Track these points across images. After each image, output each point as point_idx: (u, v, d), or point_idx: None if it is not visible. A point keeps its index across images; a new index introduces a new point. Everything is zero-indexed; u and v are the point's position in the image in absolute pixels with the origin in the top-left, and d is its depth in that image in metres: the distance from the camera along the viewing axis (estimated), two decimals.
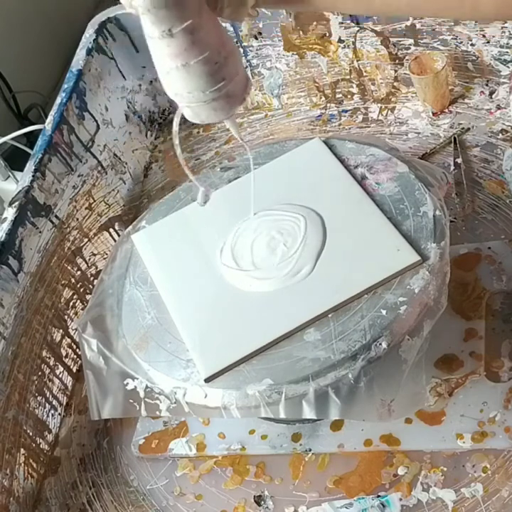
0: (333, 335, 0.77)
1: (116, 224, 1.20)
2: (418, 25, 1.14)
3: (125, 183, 1.25)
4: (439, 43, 1.15)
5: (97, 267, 1.15)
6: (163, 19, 0.66)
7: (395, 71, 1.20)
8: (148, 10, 0.65)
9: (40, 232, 1.05)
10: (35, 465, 0.99)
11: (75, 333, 1.08)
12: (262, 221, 0.89)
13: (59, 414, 1.05)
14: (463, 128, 1.14)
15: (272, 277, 0.83)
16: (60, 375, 1.06)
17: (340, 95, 1.25)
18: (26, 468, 0.98)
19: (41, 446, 1.01)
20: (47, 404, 1.03)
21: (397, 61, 1.19)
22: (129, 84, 1.29)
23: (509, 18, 1.02)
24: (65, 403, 1.06)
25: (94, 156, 1.18)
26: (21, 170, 1.09)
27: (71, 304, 1.10)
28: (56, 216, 1.08)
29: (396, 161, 0.90)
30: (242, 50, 1.21)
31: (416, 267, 0.79)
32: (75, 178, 1.14)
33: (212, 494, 0.90)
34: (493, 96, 1.16)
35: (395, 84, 1.21)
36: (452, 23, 1.12)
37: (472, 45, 1.14)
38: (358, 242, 0.83)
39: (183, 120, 1.41)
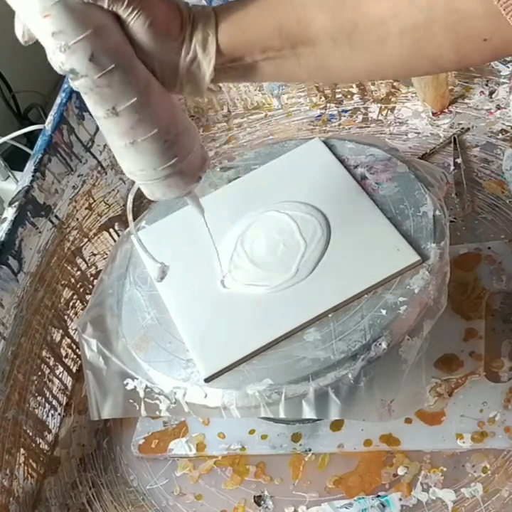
0: (333, 335, 0.77)
1: (116, 224, 1.20)
2: None
3: (125, 183, 1.25)
4: None
5: (97, 267, 1.15)
6: (107, 98, 0.64)
7: None
8: (90, 89, 0.64)
9: (40, 232, 1.05)
10: (35, 465, 0.99)
11: (74, 333, 1.08)
12: (262, 221, 0.89)
13: (59, 414, 1.05)
14: (463, 128, 1.14)
15: (271, 277, 0.83)
16: (60, 375, 1.06)
17: (340, 95, 1.25)
18: (26, 468, 0.98)
19: (41, 446, 1.01)
20: (47, 405, 1.03)
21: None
22: None
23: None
24: (64, 403, 1.06)
25: (94, 156, 1.18)
26: (21, 170, 1.08)
27: (71, 304, 1.10)
28: (56, 216, 1.08)
29: (396, 161, 0.90)
30: None
31: (416, 267, 0.79)
32: (74, 178, 1.13)
33: (212, 494, 0.90)
34: (493, 96, 1.16)
35: (395, 84, 1.21)
36: None
37: None
38: (357, 242, 0.83)
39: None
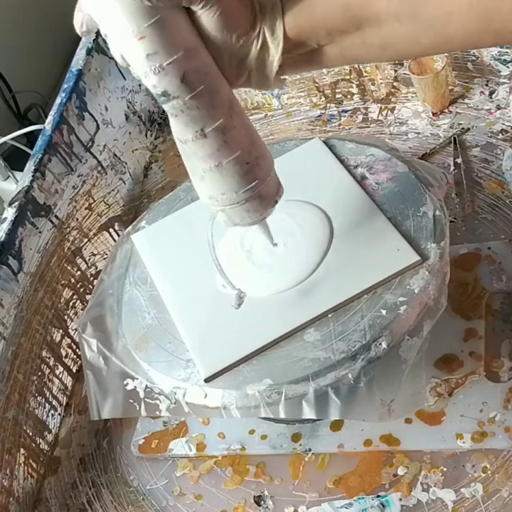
0: (333, 335, 0.77)
1: (116, 224, 1.20)
2: None
3: (125, 183, 1.25)
4: None
5: (97, 267, 1.15)
6: (196, 120, 0.65)
7: (395, 71, 1.20)
8: (181, 111, 0.65)
9: (40, 232, 1.05)
10: (35, 465, 0.99)
11: (74, 333, 1.08)
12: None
13: (59, 414, 1.05)
14: (463, 128, 1.14)
15: (271, 278, 0.83)
16: (60, 375, 1.06)
17: (340, 95, 1.25)
18: (26, 468, 0.98)
19: (41, 446, 1.01)
20: (47, 405, 1.03)
21: (397, 61, 1.19)
22: (129, 84, 1.29)
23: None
24: (64, 403, 1.06)
25: (94, 156, 1.18)
26: (21, 170, 1.08)
27: (71, 304, 1.10)
28: (56, 216, 1.08)
29: (396, 161, 0.90)
30: None
31: (416, 267, 0.79)
32: (74, 178, 1.13)
33: (212, 494, 0.90)
34: (493, 96, 1.16)
35: (395, 84, 1.21)
36: None
37: None
38: (357, 242, 0.83)
39: None
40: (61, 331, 1.07)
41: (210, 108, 0.65)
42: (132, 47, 0.62)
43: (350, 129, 1.22)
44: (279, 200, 0.74)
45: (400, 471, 0.84)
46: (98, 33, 1.22)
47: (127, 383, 0.82)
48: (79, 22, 0.65)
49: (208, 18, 0.64)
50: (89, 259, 1.14)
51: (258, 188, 0.71)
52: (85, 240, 1.14)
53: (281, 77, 0.69)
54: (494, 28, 0.63)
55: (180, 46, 0.63)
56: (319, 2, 0.65)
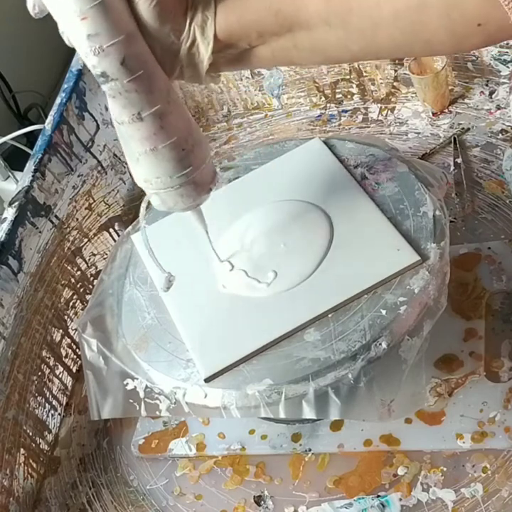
0: (333, 335, 0.77)
1: (116, 224, 1.20)
2: None
3: (125, 183, 1.25)
4: None
5: (97, 267, 1.15)
6: (134, 103, 0.67)
7: (395, 71, 1.20)
8: (119, 93, 0.66)
9: (40, 232, 1.05)
10: (35, 465, 0.99)
11: (74, 333, 1.08)
12: (262, 221, 0.89)
13: (59, 414, 1.05)
14: (463, 128, 1.14)
15: (271, 277, 0.83)
16: (60, 375, 1.06)
17: (340, 95, 1.25)
18: (26, 468, 0.98)
19: (41, 446, 1.01)
20: (47, 405, 1.03)
21: (397, 61, 1.19)
22: None
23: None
24: (64, 403, 1.06)
25: (94, 156, 1.18)
26: (21, 170, 1.08)
27: (71, 304, 1.10)
28: (56, 216, 1.08)
29: (396, 161, 0.90)
30: None
31: (416, 267, 0.79)
32: (74, 178, 1.13)
33: (212, 494, 0.90)
34: (493, 96, 1.16)
35: (395, 84, 1.21)
36: None
37: None
38: (357, 242, 0.83)
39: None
40: (61, 331, 1.07)
41: (148, 93, 0.67)
42: (75, 27, 0.64)
43: (350, 129, 1.22)
44: (214, 187, 0.76)
45: (400, 471, 0.84)
46: None
47: (127, 383, 0.82)
48: (31, 3, 0.67)
49: (144, 7, 0.65)
50: (89, 259, 1.14)
51: (192, 175, 0.72)
52: (85, 240, 1.14)
53: (215, 73, 0.71)
54: (423, 38, 0.64)
55: (122, 30, 0.64)
56: (251, 5, 0.66)
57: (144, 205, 0.79)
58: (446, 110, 1.18)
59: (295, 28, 0.66)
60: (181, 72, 0.70)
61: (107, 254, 1.16)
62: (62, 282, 1.08)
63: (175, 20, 0.66)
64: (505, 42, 1.11)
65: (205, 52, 0.67)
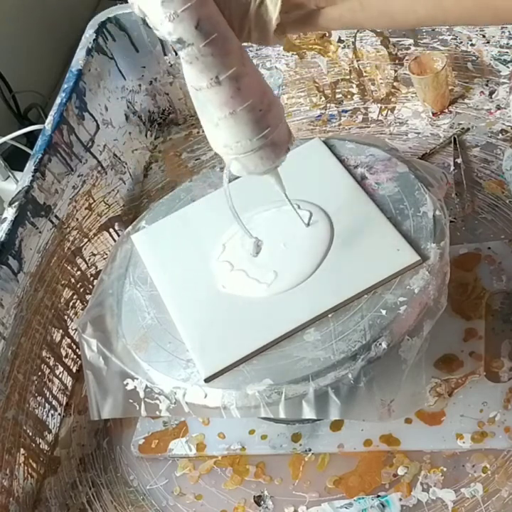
0: (333, 335, 0.77)
1: (116, 224, 1.20)
2: None
3: (125, 183, 1.25)
4: (438, 43, 1.15)
5: (96, 267, 1.15)
6: (211, 67, 0.67)
7: (395, 71, 1.20)
8: (196, 58, 0.67)
9: (40, 232, 1.05)
10: (35, 465, 0.99)
11: (74, 333, 1.08)
12: (262, 221, 0.89)
13: (59, 414, 1.05)
14: (463, 128, 1.14)
15: (271, 277, 0.83)
16: (60, 375, 1.06)
17: (340, 95, 1.25)
18: (26, 468, 0.98)
19: (41, 446, 1.01)
20: (47, 405, 1.03)
21: (397, 61, 1.19)
22: (129, 84, 1.29)
23: None
24: (64, 403, 1.06)
25: (94, 156, 1.18)
26: (21, 170, 1.08)
27: (71, 304, 1.10)
28: (56, 216, 1.08)
29: (396, 161, 0.90)
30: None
31: (416, 267, 0.79)
32: (74, 178, 1.13)
33: (212, 494, 0.90)
34: (493, 96, 1.16)
35: (395, 84, 1.21)
36: None
37: (472, 45, 1.14)
38: (357, 242, 0.83)
39: (184, 119, 1.41)
40: (61, 331, 1.07)
41: (224, 55, 0.68)
42: None
43: (350, 129, 1.22)
44: (291, 147, 0.76)
45: (400, 471, 0.84)
46: (98, 33, 1.23)
47: (127, 383, 0.82)
48: None
49: None
50: (89, 259, 1.14)
51: (271, 135, 0.73)
52: (85, 240, 1.14)
53: (282, 35, 0.71)
54: (494, 4, 0.63)
55: None
56: None
57: (226, 171, 0.78)
58: (446, 110, 1.18)
59: None
60: (249, 34, 0.70)
61: (107, 254, 1.16)
62: (62, 282, 1.08)
63: None
64: (505, 42, 1.11)
65: (273, 11, 0.68)
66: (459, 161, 1.10)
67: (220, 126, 0.72)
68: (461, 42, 1.14)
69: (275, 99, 0.74)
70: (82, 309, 1.09)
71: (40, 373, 1.02)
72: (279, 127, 0.73)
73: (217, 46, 0.67)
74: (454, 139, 1.13)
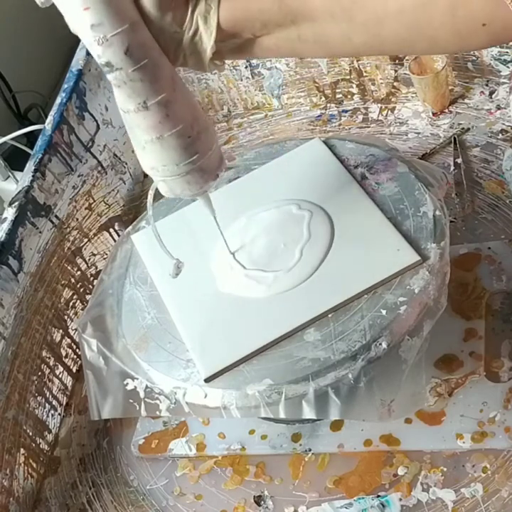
0: (333, 335, 0.77)
1: (116, 224, 1.20)
2: None
3: (125, 183, 1.25)
4: None
5: (97, 267, 1.15)
6: (139, 92, 0.67)
7: (395, 71, 1.20)
8: (124, 82, 0.67)
9: (40, 232, 1.05)
10: (35, 465, 0.99)
11: (75, 333, 1.08)
12: (262, 221, 0.89)
13: (59, 414, 1.05)
14: (463, 128, 1.15)
15: (271, 277, 0.83)
16: (60, 375, 1.06)
17: (340, 95, 1.25)
18: (26, 468, 0.98)
19: (41, 446, 1.01)
20: (47, 405, 1.03)
21: (397, 61, 1.19)
22: None
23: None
24: (64, 403, 1.06)
25: (94, 156, 1.18)
26: (21, 170, 1.08)
27: (71, 304, 1.10)
28: (56, 216, 1.08)
29: (396, 161, 0.90)
30: None
31: (416, 267, 0.79)
32: (75, 178, 1.13)
33: (212, 494, 0.90)
34: (493, 96, 1.16)
35: (395, 84, 1.21)
36: None
37: None
38: (358, 242, 0.83)
39: None
40: (61, 331, 1.07)
41: (153, 81, 0.67)
42: (79, 17, 0.64)
43: (350, 129, 1.22)
44: (221, 173, 0.76)
45: (400, 471, 0.84)
46: None
47: (127, 383, 0.82)
48: None
49: None
50: (89, 259, 1.14)
51: (199, 162, 0.72)
52: (85, 239, 1.14)
53: (220, 61, 0.70)
54: (428, 35, 0.64)
55: (125, 19, 0.65)
56: None
57: (151, 192, 0.79)
58: (446, 110, 1.18)
59: (299, 20, 0.66)
60: (185, 60, 0.70)
61: (107, 254, 1.16)
62: (62, 282, 1.08)
63: (176, 8, 0.66)
64: None
65: (207, 41, 0.68)
66: (459, 161, 1.10)
67: (146, 149, 0.71)
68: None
69: (207, 127, 0.73)
70: (82, 309, 1.09)
71: (40, 373, 1.02)
72: (208, 154, 0.73)
73: (146, 72, 0.66)
74: (454, 139, 1.13)
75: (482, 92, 1.17)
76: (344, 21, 0.65)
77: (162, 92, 0.68)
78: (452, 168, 1.10)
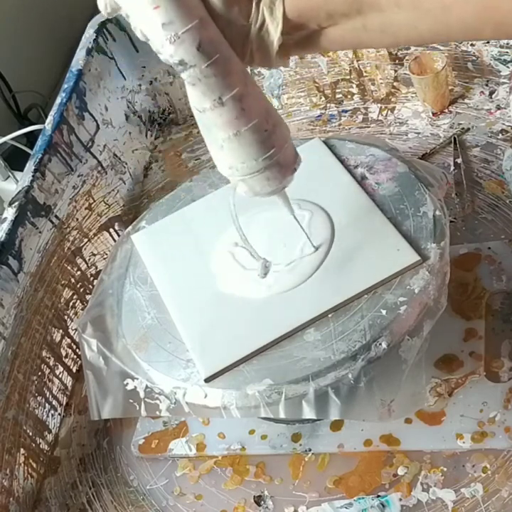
0: (333, 335, 0.77)
1: (116, 224, 1.20)
2: None
3: (125, 183, 1.25)
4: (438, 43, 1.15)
5: (97, 267, 1.15)
6: (213, 88, 0.67)
7: (395, 71, 1.20)
8: (199, 79, 0.67)
9: (40, 232, 1.05)
10: (35, 465, 0.99)
11: (75, 333, 1.08)
12: (262, 221, 0.89)
13: (59, 414, 1.05)
14: (463, 128, 1.14)
15: (271, 277, 0.83)
16: (60, 375, 1.06)
17: (340, 95, 1.25)
18: (26, 468, 0.98)
19: (41, 446, 1.01)
20: (47, 405, 1.03)
21: (397, 61, 1.19)
22: (129, 84, 1.29)
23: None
24: (64, 403, 1.06)
25: (94, 156, 1.18)
26: (21, 170, 1.08)
27: (71, 304, 1.10)
28: (56, 216, 1.08)
29: (396, 161, 0.90)
30: None
31: (416, 267, 0.79)
32: (74, 178, 1.13)
33: (212, 494, 0.90)
34: (493, 96, 1.16)
35: (395, 84, 1.21)
36: None
37: (472, 45, 1.14)
38: (357, 242, 0.83)
39: (184, 119, 1.40)
40: (61, 331, 1.07)
41: (227, 76, 0.67)
42: (149, 18, 0.64)
43: (350, 129, 1.22)
44: (298, 168, 0.76)
45: (400, 471, 0.84)
46: (98, 33, 1.23)
47: (127, 383, 0.82)
48: (102, 3, 0.68)
49: None
50: (89, 259, 1.14)
51: (276, 155, 0.72)
52: (85, 240, 1.14)
53: (285, 57, 0.70)
54: (495, 20, 0.63)
55: (194, 15, 0.65)
56: None
57: (232, 192, 0.78)
58: (446, 110, 1.18)
59: (365, 9, 0.66)
60: (252, 57, 0.70)
61: (107, 254, 1.16)
62: (62, 282, 1.08)
63: (242, 1, 0.66)
64: (505, 42, 1.11)
65: (274, 33, 0.67)
66: (459, 161, 1.10)
67: (224, 147, 0.71)
68: (461, 42, 1.14)
69: (280, 120, 0.73)
70: (82, 309, 1.09)
71: (40, 373, 1.02)
72: (284, 148, 0.73)
73: (219, 67, 0.66)
74: (454, 139, 1.13)
75: (482, 92, 1.17)
76: (410, 9, 0.64)
77: (236, 86, 0.68)
78: (452, 168, 1.10)
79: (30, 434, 0.99)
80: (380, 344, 0.75)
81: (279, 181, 0.75)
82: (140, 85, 1.31)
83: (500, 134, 1.11)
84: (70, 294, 1.10)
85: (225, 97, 0.68)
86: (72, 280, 1.10)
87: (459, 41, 1.14)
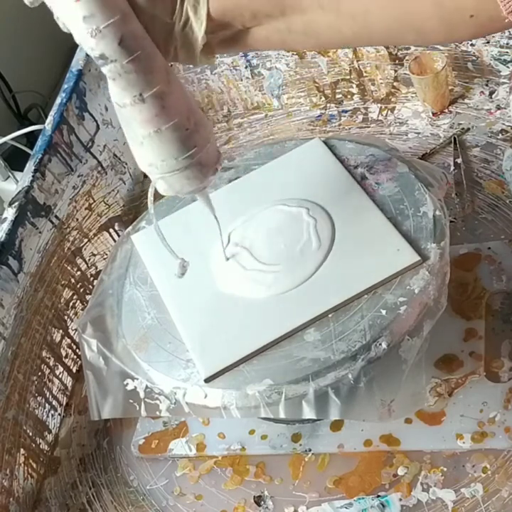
0: (333, 335, 0.77)
1: (116, 224, 1.20)
2: None
3: (125, 183, 1.25)
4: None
5: (97, 267, 1.15)
6: (134, 84, 0.67)
7: (395, 71, 1.20)
8: (119, 75, 0.66)
9: (40, 232, 1.05)
10: (35, 465, 0.99)
11: (75, 334, 1.08)
12: (262, 221, 0.89)
13: (59, 414, 1.05)
14: (463, 128, 1.15)
15: (271, 277, 0.83)
16: (60, 376, 1.06)
17: (340, 95, 1.25)
18: (26, 468, 0.98)
19: (41, 446, 1.01)
20: (47, 405, 1.03)
21: (397, 61, 1.19)
22: None
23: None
24: (64, 403, 1.06)
25: (94, 157, 1.18)
26: (21, 170, 1.08)
27: (71, 304, 1.10)
28: (56, 216, 1.08)
29: (396, 161, 0.90)
30: None
31: (416, 267, 0.79)
32: (74, 179, 1.13)
33: (212, 494, 0.90)
34: (493, 96, 1.16)
35: (395, 84, 1.21)
36: None
37: (472, 45, 1.14)
38: (357, 242, 0.83)
39: None
40: (61, 331, 1.07)
41: (148, 73, 0.67)
42: (70, 10, 0.64)
43: (350, 129, 1.22)
44: (219, 168, 0.75)
45: (400, 471, 0.84)
46: None
47: (127, 383, 0.82)
48: None
49: None
50: (89, 259, 1.14)
51: (198, 155, 0.72)
52: (85, 240, 1.14)
53: (210, 55, 0.70)
54: (415, 26, 0.64)
55: (116, 9, 0.64)
56: None
57: (151, 190, 0.77)
58: (446, 110, 1.18)
59: (288, 11, 0.66)
60: (176, 54, 0.70)
61: (107, 254, 1.16)
62: (62, 282, 1.08)
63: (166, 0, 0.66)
64: (505, 42, 1.11)
65: (198, 31, 0.67)
66: (459, 161, 1.10)
67: (144, 144, 0.70)
68: (461, 42, 1.14)
69: (204, 120, 0.73)
70: (82, 309, 1.09)
71: (40, 373, 1.02)
72: (206, 147, 0.72)
73: (141, 63, 0.66)
74: (454, 139, 1.13)
75: (482, 92, 1.17)
76: (332, 12, 0.65)
77: (157, 84, 0.67)
78: (452, 168, 1.10)
79: (30, 434, 0.99)
80: (380, 344, 0.75)
81: (200, 181, 0.74)
82: None
83: (500, 134, 1.11)
84: (70, 294, 1.10)
85: (146, 94, 0.67)
86: (72, 280, 1.10)
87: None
